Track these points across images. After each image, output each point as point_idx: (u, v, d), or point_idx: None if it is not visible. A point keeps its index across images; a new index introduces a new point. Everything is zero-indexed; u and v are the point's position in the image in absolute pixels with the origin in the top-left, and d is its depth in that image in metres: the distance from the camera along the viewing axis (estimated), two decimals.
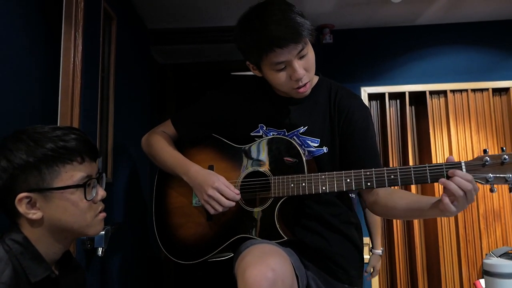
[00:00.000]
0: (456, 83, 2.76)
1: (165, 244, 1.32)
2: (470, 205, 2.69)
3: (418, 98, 2.85)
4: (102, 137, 1.70)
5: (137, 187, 2.15)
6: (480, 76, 2.75)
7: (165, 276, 2.81)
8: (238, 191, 1.21)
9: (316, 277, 1.20)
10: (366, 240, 2.64)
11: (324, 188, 1.13)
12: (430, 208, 1.04)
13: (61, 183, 0.86)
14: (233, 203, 1.19)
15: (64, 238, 0.91)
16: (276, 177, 1.19)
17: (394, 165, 2.79)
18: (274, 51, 1.09)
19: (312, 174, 1.16)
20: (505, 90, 2.77)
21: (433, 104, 2.81)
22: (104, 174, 1.00)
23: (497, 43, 2.76)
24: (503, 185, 1.02)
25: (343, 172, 1.13)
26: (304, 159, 1.18)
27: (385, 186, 1.11)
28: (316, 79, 1.29)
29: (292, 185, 1.16)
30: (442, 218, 2.67)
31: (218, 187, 1.18)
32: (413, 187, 2.68)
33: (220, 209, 1.19)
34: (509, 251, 2.44)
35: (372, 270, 2.07)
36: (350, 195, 2.04)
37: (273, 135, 1.25)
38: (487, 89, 2.75)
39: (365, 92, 2.78)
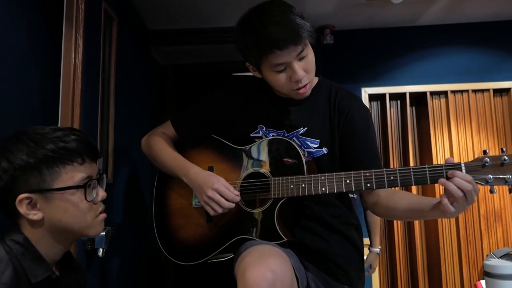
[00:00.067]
0: (457, 83, 2.76)
1: (165, 245, 1.32)
2: (471, 206, 2.70)
3: (419, 99, 2.84)
4: (102, 137, 1.71)
5: (138, 187, 2.15)
6: (481, 77, 2.75)
7: (165, 277, 2.81)
8: (238, 193, 1.21)
9: (316, 278, 1.20)
10: (366, 241, 2.64)
11: (323, 189, 1.13)
12: (430, 209, 1.04)
13: (61, 184, 0.86)
14: (233, 205, 1.19)
15: (64, 238, 0.91)
16: (276, 178, 1.19)
17: (395, 166, 2.79)
18: (274, 53, 1.10)
19: (312, 175, 1.16)
20: (506, 90, 2.77)
21: (433, 105, 2.81)
22: (104, 175, 1.00)
23: (498, 44, 2.76)
24: (503, 186, 1.02)
25: (342, 173, 1.13)
26: (303, 160, 1.18)
27: (384, 187, 1.11)
28: (316, 80, 1.29)
29: (291, 186, 1.16)
30: (443, 218, 2.67)
31: (218, 189, 1.18)
32: (413, 188, 2.68)
33: (219, 210, 1.19)
34: (510, 252, 2.43)
35: (369, 267, 2.12)
36: (352, 195, 2.05)
37: (272, 136, 1.25)
38: (488, 90, 2.75)
39: (365, 92, 2.78)
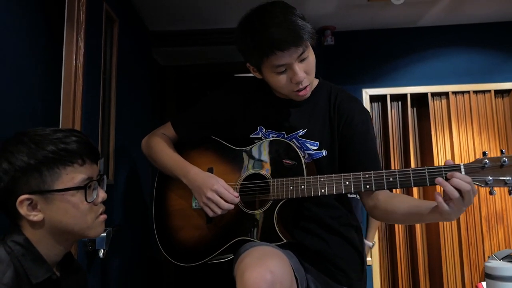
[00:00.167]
0: (458, 84, 2.75)
1: (165, 246, 1.32)
2: (472, 207, 2.71)
3: (420, 100, 2.84)
4: (103, 139, 1.71)
5: (139, 188, 2.16)
6: (482, 78, 2.74)
7: (166, 278, 2.82)
8: (237, 194, 1.21)
9: (316, 280, 1.20)
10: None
11: (323, 190, 1.14)
12: (429, 212, 1.04)
13: (61, 185, 0.86)
14: (232, 206, 1.19)
15: (65, 240, 0.91)
16: (276, 180, 1.19)
17: (396, 167, 2.79)
18: (275, 54, 1.10)
19: (311, 176, 1.16)
20: (507, 91, 2.77)
21: (435, 106, 2.80)
22: (105, 176, 1.00)
23: (499, 45, 2.76)
24: (503, 188, 1.02)
25: (342, 174, 1.13)
26: (303, 161, 1.18)
27: (384, 189, 1.11)
28: (316, 82, 1.29)
29: (291, 187, 1.16)
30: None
31: (217, 190, 1.18)
32: (414, 190, 2.68)
33: (219, 211, 1.19)
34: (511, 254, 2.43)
35: None
36: (356, 196, 2.05)
37: (272, 137, 1.26)
38: (489, 91, 2.75)
39: (366, 94, 2.78)
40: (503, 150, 1.04)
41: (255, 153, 1.26)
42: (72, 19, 1.40)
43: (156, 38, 2.64)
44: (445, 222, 2.70)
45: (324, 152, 1.23)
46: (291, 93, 1.19)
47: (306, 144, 1.24)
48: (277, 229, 1.17)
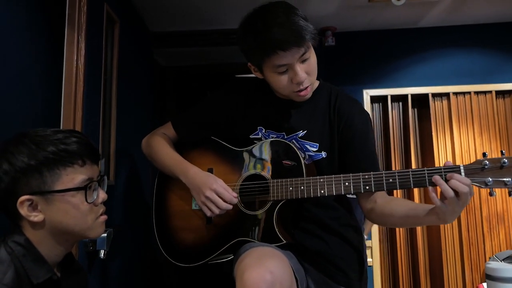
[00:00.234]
0: (459, 85, 2.75)
1: (165, 247, 1.32)
2: (473, 208, 2.70)
3: (421, 101, 2.84)
4: (104, 139, 1.72)
5: (139, 189, 2.16)
6: (483, 79, 2.74)
7: (166, 278, 2.82)
8: (236, 194, 1.21)
9: (315, 280, 1.20)
10: (369, 242, 2.64)
11: (322, 191, 1.14)
12: (426, 214, 1.04)
13: (62, 186, 0.87)
14: (230, 206, 1.19)
15: (65, 240, 0.91)
16: (275, 180, 1.19)
17: (397, 168, 2.79)
18: (277, 54, 1.10)
19: (311, 177, 1.16)
20: (508, 92, 2.76)
21: (435, 107, 2.80)
22: (105, 177, 1.00)
23: (500, 46, 2.76)
24: (503, 189, 1.02)
25: (341, 175, 1.13)
26: (302, 162, 1.18)
27: (383, 190, 1.11)
28: (317, 83, 1.29)
29: (291, 188, 1.16)
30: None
31: (216, 189, 1.19)
32: (415, 193, 2.68)
33: (217, 211, 1.19)
34: None
35: None
36: (355, 196, 2.04)
37: (272, 137, 1.26)
38: (490, 92, 2.74)
39: (367, 94, 2.78)
40: (503, 151, 1.04)
41: (254, 153, 1.26)
42: (73, 20, 1.40)
43: (156, 39, 2.64)
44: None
45: (323, 154, 1.23)
46: (291, 93, 1.19)
47: (306, 146, 1.24)
48: (276, 230, 1.17)
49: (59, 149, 0.87)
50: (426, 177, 1.05)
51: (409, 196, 2.73)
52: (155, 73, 2.81)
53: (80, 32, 1.41)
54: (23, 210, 0.85)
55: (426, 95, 2.76)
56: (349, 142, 1.22)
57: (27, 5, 1.22)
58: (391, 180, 1.08)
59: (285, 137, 1.25)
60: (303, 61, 1.14)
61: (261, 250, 1.07)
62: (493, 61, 2.75)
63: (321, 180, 1.14)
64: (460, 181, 0.97)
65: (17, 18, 1.17)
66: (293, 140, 1.24)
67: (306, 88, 1.17)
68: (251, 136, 1.29)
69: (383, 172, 1.10)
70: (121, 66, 1.88)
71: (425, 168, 1.05)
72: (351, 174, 1.13)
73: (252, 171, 1.25)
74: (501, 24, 2.76)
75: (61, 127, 1.36)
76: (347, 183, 1.12)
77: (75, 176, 0.88)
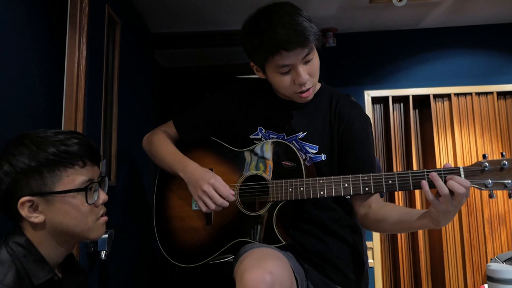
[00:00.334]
0: (460, 86, 2.75)
1: (166, 247, 1.33)
2: (475, 209, 2.69)
3: (422, 102, 2.84)
4: (106, 140, 1.72)
5: (141, 190, 2.16)
6: (484, 80, 2.74)
7: (167, 279, 2.82)
8: (233, 192, 1.20)
9: (315, 281, 1.20)
10: (370, 244, 2.64)
11: (322, 192, 1.14)
12: (419, 217, 1.04)
13: (62, 187, 0.87)
14: (227, 203, 1.19)
15: (66, 241, 0.92)
16: (275, 181, 1.19)
17: (398, 169, 2.79)
18: (281, 54, 1.10)
19: (310, 178, 1.16)
20: (510, 93, 2.76)
21: (437, 108, 2.80)
22: (106, 178, 1.00)
23: (502, 46, 2.75)
24: (502, 191, 1.01)
25: (341, 177, 1.13)
26: (302, 163, 1.18)
27: (383, 191, 1.11)
28: (318, 85, 1.30)
29: (290, 189, 1.16)
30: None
31: (214, 184, 1.18)
32: (417, 195, 2.68)
33: (212, 206, 1.18)
34: None
35: None
36: None
37: (272, 138, 1.26)
38: (491, 93, 2.74)
39: (368, 95, 2.78)
40: (503, 153, 1.04)
41: (254, 154, 1.26)
42: (74, 21, 1.41)
43: (158, 40, 2.65)
44: (447, 225, 2.69)
45: (323, 156, 1.23)
46: (293, 94, 1.19)
47: (306, 147, 1.24)
48: (276, 231, 1.17)
49: (60, 150, 0.87)
50: (426, 178, 1.05)
51: (411, 200, 2.73)
52: (156, 74, 2.82)
53: (81, 33, 1.42)
54: (24, 211, 0.85)
55: (427, 96, 2.76)
56: (348, 145, 1.21)
57: (29, 6, 1.23)
58: (390, 181, 1.08)
59: (285, 138, 1.26)
60: (306, 62, 1.14)
61: (260, 251, 1.07)
62: (495, 62, 2.75)
63: (321, 181, 1.14)
64: (459, 183, 0.97)
65: (19, 20, 1.17)
66: (293, 141, 1.24)
67: (308, 89, 1.17)
68: (251, 137, 1.29)
69: (383, 173, 1.10)
70: (122, 67, 1.88)
71: (425, 170, 1.05)
72: (350, 176, 1.13)
73: (253, 172, 1.25)
74: (502, 25, 2.76)
75: (62, 128, 1.37)
76: (346, 185, 1.12)
77: (75, 177, 0.89)
